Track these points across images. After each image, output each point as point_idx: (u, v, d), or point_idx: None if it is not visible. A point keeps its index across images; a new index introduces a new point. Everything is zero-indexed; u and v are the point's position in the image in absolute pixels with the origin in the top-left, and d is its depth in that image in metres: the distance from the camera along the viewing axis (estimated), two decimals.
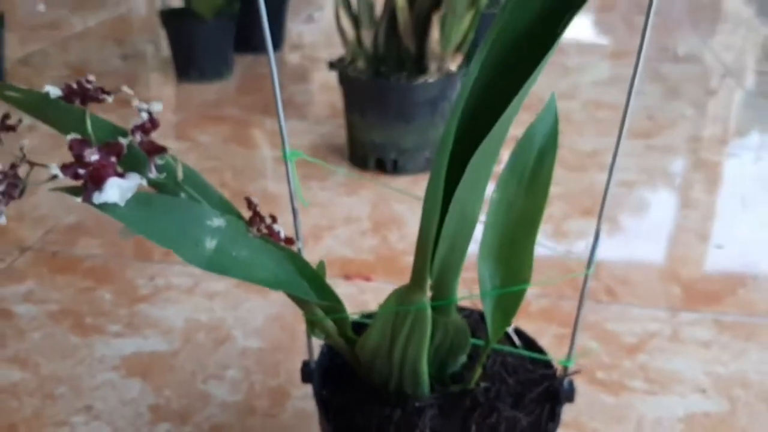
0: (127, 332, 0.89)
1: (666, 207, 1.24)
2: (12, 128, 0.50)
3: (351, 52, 1.29)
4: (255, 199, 0.53)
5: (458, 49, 1.26)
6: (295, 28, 2.30)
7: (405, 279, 1.02)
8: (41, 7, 2.61)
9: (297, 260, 0.52)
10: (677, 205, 1.25)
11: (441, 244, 0.47)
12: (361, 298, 0.96)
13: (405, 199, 1.24)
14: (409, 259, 1.05)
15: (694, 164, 1.40)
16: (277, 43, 2.06)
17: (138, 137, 0.47)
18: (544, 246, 0.77)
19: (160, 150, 0.46)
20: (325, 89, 1.75)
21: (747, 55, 2.19)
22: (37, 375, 0.82)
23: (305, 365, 0.59)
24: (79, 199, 0.43)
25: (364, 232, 1.13)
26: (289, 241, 0.53)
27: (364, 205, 1.21)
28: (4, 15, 1.71)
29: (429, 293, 0.51)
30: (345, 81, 1.29)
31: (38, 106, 0.49)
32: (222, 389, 0.80)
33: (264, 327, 0.90)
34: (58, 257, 1.06)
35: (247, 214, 0.53)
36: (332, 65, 1.31)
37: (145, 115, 0.48)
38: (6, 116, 0.50)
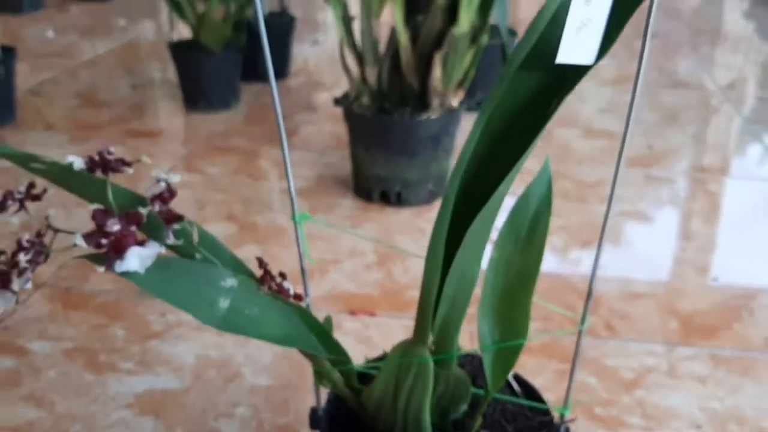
0: (139, 369, 0.92)
1: (665, 238, 1.26)
2: (38, 197, 0.53)
3: (355, 88, 1.32)
4: (265, 259, 0.56)
5: (460, 85, 1.30)
6: (300, 53, 2.34)
7: (408, 313, 1.05)
8: (50, 34, 2.66)
9: (306, 316, 0.55)
10: (676, 237, 1.27)
11: (442, 304, 0.50)
12: (365, 333, 0.99)
13: (409, 231, 1.27)
14: (413, 294, 1.08)
15: (693, 194, 1.43)
16: (283, 71, 2.10)
17: (157, 206, 0.50)
18: (541, 304, 0.80)
19: (178, 219, 0.49)
20: (330, 118, 1.79)
21: (747, 79, 2.22)
22: (53, 413, 0.85)
23: (313, 412, 0.62)
24: (101, 269, 0.46)
25: (369, 265, 1.16)
26: (298, 297, 0.56)
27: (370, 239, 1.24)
28: (16, 48, 1.75)
29: (431, 347, 0.54)
30: (350, 117, 1.32)
31: (62, 176, 0.52)
32: (232, 427, 0.83)
33: (273, 364, 0.93)
34: (71, 293, 1.09)
35: (253, 263, 0.56)
36: (337, 101, 1.34)
37: (163, 185, 0.51)
38: (31, 185, 0.54)
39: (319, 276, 1.13)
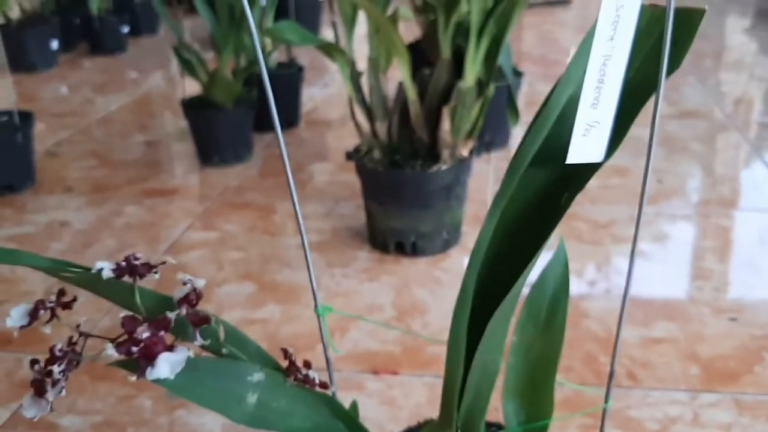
0: None
1: (679, 279, 1.27)
2: (68, 306, 0.55)
3: (366, 143, 1.35)
4: (290, 349, 0.57)
5: (469, 135, 1.32)
6: (310, 99, 2.38)
7: (431, 371, 1.05)
8: (64, 90, 2.72)
9: (332, 404, 0.56)
10: (691, 276, 1.28)
11: (467, 393, 0.51)
12: (389, 393, 1.00)
13: (426, 282, 1.29)
14: (434, 350, 1.09)
15: (705, 230, 1.43)
16: (294, 120, 2.14)
17: (184, 310, 0.51)
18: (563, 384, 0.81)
19: (205, 321, 0.51)
20: (342, 167, 1.81)
21: (753, 104, 2.23)
22: None
23: None
24: (134, 378, 0.48)
25: (389, 321, 1.17)
26: (323, 386, 0.57)
27: (387, 292, 1.26)
28: (33, 114, 1.79)
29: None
30: (362, 172, 1.34)
31: (91, 283, 0.54)
32: None
33: None
34: (97, 364, 1.10)
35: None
36: (349, 156, 1.36)
37: (189, 287, 0.52)
38: (62, 292, 0.56)
39: (340, 335, 1.14)
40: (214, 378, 0.51)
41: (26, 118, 1.75)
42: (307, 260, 0.61)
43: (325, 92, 2.57)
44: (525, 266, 0.46)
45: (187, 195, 1.71)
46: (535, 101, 2.32)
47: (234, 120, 1.82)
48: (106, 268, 0.54)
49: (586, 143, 0.44)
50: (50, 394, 0.52)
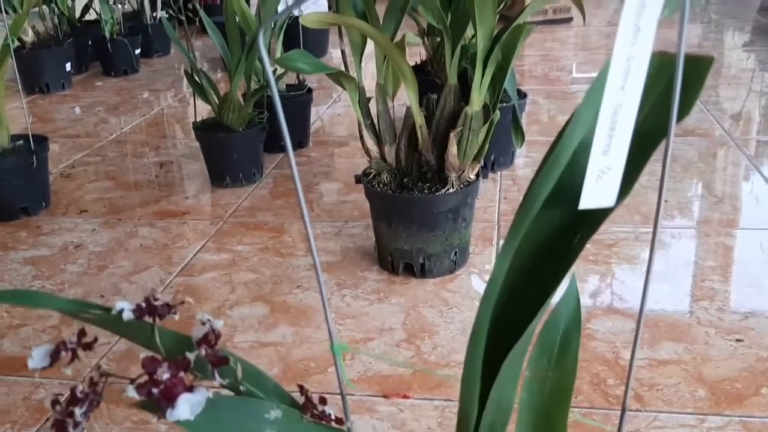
0: None
1: (683, 299, 1.28)
2: (89, 347, 0.57)
3: (375, 166, 1.37)
4: (306, 386, 0.59)
5: (475, 158, 1.34)
6: (316, 116, 2.41)
7: (441, 395, 1.07)
8: (77, 111, 2.77)
9: None
10: (694, 296, 1.29)
11: (481, 429, 0.53)
12: (400, 417, 1.02)
13: (435, 303, 1.31)
14: (443, 373, 1.10)
15: (707, 250, 1.44)
16: (304, 141, 2.16)
17: (203, 351, 0.53)
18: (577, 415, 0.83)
19: (224, 362, 0.53)
20: (351, 187, 1.84)
21: (754, 120, 2.24)
22: None
23: None
24: (155, 419, 0.50)
25: (398, 343, 1.19)
26: (339, 421, 0.59)
27: (397, 314, 1.28)
28: (48, 138, 1.83)
29: None
30: (371, 195, 1.37)
31: (111, 323, 0.56)
32: None
33: None
34: (113, 388, 1.13)
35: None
36: (358, 179, 1.39)
37: (207, 327, 0.55)
38: (82, 333, 0.58)
39: (350, 357, 1.16)
40: (232, 416, 0.53)
41: (41, 141, 1.78)
42: (322, 296, 0.63)
43: (332, 111, 2.60)
44: (539, 305, 0.48)
45: (199, 216, 1.74)
46: (539, 120, 2.34)
47: (245, 142, 1.85)
48: (126, 309, 0.57)
49: (597, 189, 0.46)
50: None
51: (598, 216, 0.49)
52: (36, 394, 1.11)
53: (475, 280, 1.39)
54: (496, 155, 1.87)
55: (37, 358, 0.57)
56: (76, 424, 0.54)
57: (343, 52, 1.37)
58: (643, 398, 1.02)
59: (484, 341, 0.52)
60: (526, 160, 1.99)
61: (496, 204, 1.72)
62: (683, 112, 0.45)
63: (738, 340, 1.14)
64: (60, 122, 2.61)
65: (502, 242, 1.52)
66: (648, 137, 0.46)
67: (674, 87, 0.42)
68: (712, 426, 0.96)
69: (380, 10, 1.28)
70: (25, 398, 1.10)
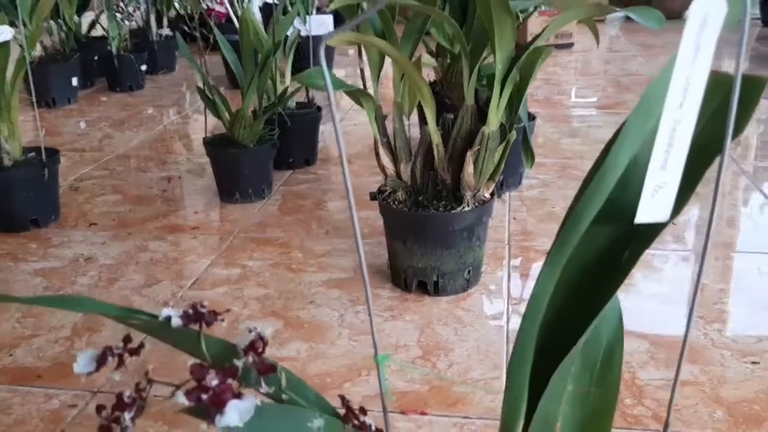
0: None
1: (695, 322, 1.29)
2: (136, 352, 0.57)
3: (390, 184, 1.38)
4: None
5: (491, 178, 1.35)
6: (322, 135, 2.42)
7: (459, 412, 1.06)
8: (83, 125, 2.77)
9: None
10: (708, 319, 1.30)
11: None
12: None
13: (449, 321, 1.31)
14: (460, 390, 1.10)
15: (716, 273, 1.46)
16: (312, 158, 2.17)
17: (251, 358, 0.54)
18: None
19: (271, 370, 0.53)
20: (361, 205, 1.84)
21: (754, 145, 2.27)
22: None
23: None
24: (204, 425, 0.50)
25: (414, 360, 1.19)
26: None
27: (411, 331, 1.28)
28: (59, 151, 1.83)
29: None
30: (387, 212, 1.37)
31: (158, 330, 0.56)
32: None
33: None
34: None
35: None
36: (373, 197, 1.39)
37: (254, 335, 0.55)
38: (128, 339, 0.58)
39: (367, 373, 1.16)
40: (277, 424, 0.53)
41: (52, 154, 1.78)
42: (368, 302, 0.63)
43: (342, 133, 2.61)
44: (587, 322, 0.48)
45: (209, 231, 1.74)
46: (542, 143, 2.35)
47: (256, 158, 1.86)
48: (174, 316, 0.57)
49: (653, 204, 0.47)
50: None
51: (650, 232, 0.50)
52: (50, 405, 1.10)
53: (488, 299, 1.39)
54: (505, 176, 1.88)
55: (82, 363, 0.57)
56: (124, 429, 0.54)
57: (361, 71, 1.38)
58: (662, 418, 1.02)
59: (530, 356, 0.52)
60: (533, 182, 2.00)
61: (505, 224, 1.73)
62: (738, 130, 0.46)
63: (754, 363, 1.15)
64: (67, 136, 2.61)
65: (513, 262, 1.53)
66: (702, 153, 0.47)
67: (731, 105, 0.43)
68: None
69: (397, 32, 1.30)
70: (40, 408, 1.10)
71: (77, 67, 3.07)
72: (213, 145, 1.87)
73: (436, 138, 1.31)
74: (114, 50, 3.18)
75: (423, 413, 1.06)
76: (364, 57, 1.34)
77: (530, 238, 1.65)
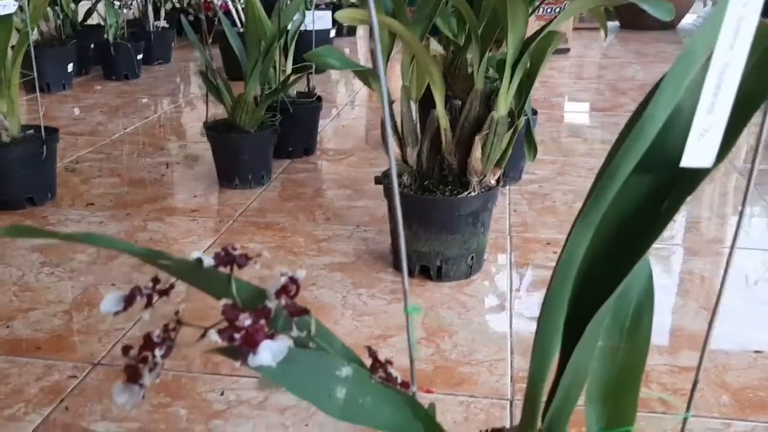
0: None
1: (698, 313, 1.29)
2: (166, 293, 0.56)
3: (396, 168, 1.38)
4: (374, 348, 0.59)
5: (497, 164, 1.35)
6: (322, 129, 2.41)
7: (464, 390, 1.06)
8: (78, 111, 2.75)
9: (413, 404, 0.57)
10: (707, 311, 1.30)
11: (557, 396, 0.53)
12: None
13: (452, 305, 1.30)
14: (464, 369, 1.10)
15: (717, 268, 1.46)
16: (312, 148, 2.17)
17: (283, 300, 0.53)
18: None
19: (303, 312, 0.53)
20: (360, 194, 1.84)
21: (740, 149, 2.29)
22: None
23: None
24: (237, 363, 0.49)
25: (418, 340, 1.18)
26: (405, 385, 0.58)
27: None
28: (58, 130, 1.81)
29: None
30: (392, 196, 1.37)
31: (188, 272, 0.55)
32: None
33: None
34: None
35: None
36: (378, 181, 1.39)
37: (286, 279, 0.54)
38: (156, 280, 0.57)
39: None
40: (306, 370, 0.53)
41: (51, 133, 1.76)
42: (402, 261, 0.62)
43: (336, 123, 2.61)
44: (624, 273, 0.48)
45: (208, 214, 1.73)
46: (541, 140, 2.36)
47: (257, 143, 1.84)
48: (207, 259, 0.56)
49: (699, 148, 0.47)
50: (147, 379, 0.52)
51: (691, 179, 0.50)
52: (49, 375, 1.09)
53: (491, 286, 1.39)
54: (505, 169, 1.88)
55: (109, 302, 0.56)
56: (152, 367, 0.53)
57: (372, 52, 1.38)
58: (668, 402, 1.02)
59: (562, 309, 0.51)
60: (532, 177, 2.01)
61: (506, 216, 1.73)
62: None
63: (757, 352, 1.15)
64: (62, 120, 2.58)
65: (514, 251, 1.53)
66: (747, 101, 0.47)
67: None
68: (738, 430, 0.97)
69: None
70: (38, 379, 1.08)
71: (73, 53, 3.04)
72: (214, 129, 1.86)
73: (444, 122, 1.30)
74: (111, 38, 3.16)
75: (429, 391, 1.05)
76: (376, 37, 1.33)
77: (530, 230, 1.65)
